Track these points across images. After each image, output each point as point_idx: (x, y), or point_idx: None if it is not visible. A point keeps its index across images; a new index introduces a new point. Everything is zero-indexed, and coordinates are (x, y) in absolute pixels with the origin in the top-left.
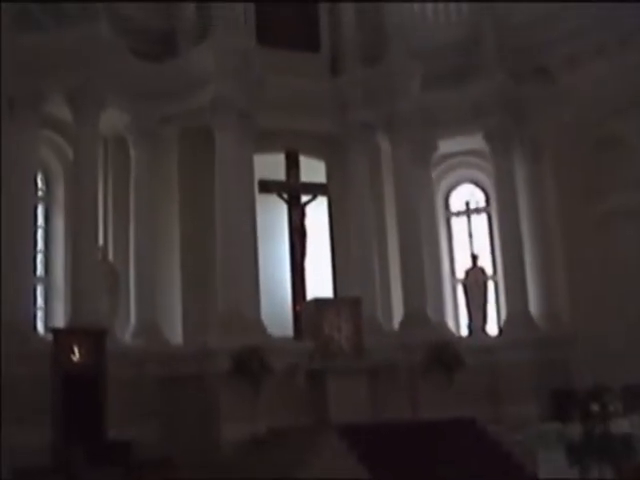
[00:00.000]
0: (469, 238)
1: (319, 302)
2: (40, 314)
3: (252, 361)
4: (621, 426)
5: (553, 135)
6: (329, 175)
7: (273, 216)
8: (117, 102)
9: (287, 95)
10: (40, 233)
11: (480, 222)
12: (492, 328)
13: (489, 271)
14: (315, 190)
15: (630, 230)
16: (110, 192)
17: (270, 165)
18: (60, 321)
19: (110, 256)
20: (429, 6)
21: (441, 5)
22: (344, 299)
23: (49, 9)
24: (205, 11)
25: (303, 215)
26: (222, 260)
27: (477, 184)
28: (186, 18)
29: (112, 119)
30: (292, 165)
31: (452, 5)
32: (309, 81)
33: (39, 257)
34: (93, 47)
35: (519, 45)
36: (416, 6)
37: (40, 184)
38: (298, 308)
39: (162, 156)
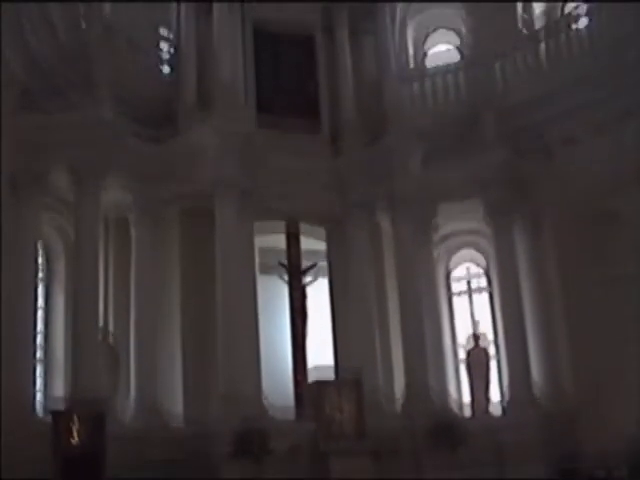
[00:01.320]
0: (471, 317)
1: (320, 384)
2: (39, 396)
3: (254, 443)
4: None
5: (553, 210)
6: (330, 254)
7: (274, 295)
8: (119, 182)
9: (288, 175)
10: (40, 314)
11: (482, 300)
12: (495, 406)
13: (491, 343)
14: (316, 270)
15: (630, 298)
16: (111, 271)
17: (270, 245)
18: (60, 402)
19: (111, 335)
20: (427, 84)
21: (439, 83)
22: (345, 380)
23: (52, 92)
24: (206, 93)
25: (304, 296)
26: (223, 339)
27: (478, 263)
28: (187, 100)
29: (114, 198)
30: (293, 245)
31: (450, 83)
32: (309, 161)
33: (39, 338)
34: (95, 130)
35: (518, 122)
36: (415, 85)
37: (41, 263)
38: (299, 378)
39: (163, 235)
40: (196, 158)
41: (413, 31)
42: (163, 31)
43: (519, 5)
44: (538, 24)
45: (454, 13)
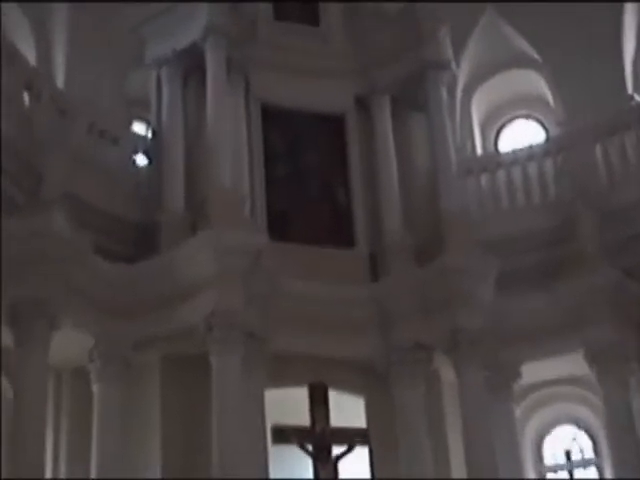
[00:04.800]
0: None
1: None
2: None
3: None
4: None
5: None
6: (370, 416)
7: (292, 472)
8: (75, 320)
9: (311, 309)
10: None
11: (588, 476)
12: None
13: None
14: (351, 438)
15: None
16: (64, 440)
17: (288, 404)
18: None
19: None
20: (501, 178)
21: (518, 176)
22: None
23: None
24: (197, 195)
25: (335, 473)
26: None
27: (580, 425)
28: (171, 205)
29: (68, 343)
30: (318, 404)
31: (533, 175)
32: (340, 287)
33: None
34: (44, 246)
35: (630, 230)
36: (484, 179)
37: None
38: None
39: (137, 391)
40: (184, 285)
41: (480, 104)
42: (138, 108)
43: (628, 60)
44: None
45: (536, 76)
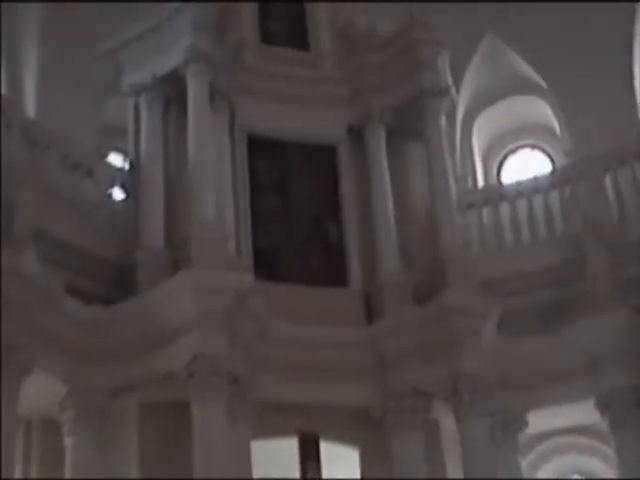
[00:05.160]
0: None
1: None
2: None
3: None
4: None
5: None
6: (365, 468)
7: None
8: (46, 366)
9: (301, 353)
10: None
11: None
12: None
13: None
14: None
15: None
16: None
17: (277, 456)
18: None
19: None
20: (504, 211)
21: (523, 209)
22: None
23: None
24: (177, 231)
25: None
26: None
27: (591, 477)
28: (149, 243)
29: (38, 391)
30: (309, 455)
31: (539, 208)
32: (332, 330)
33: None
34: (12, 286)
35: (636, 270)
36: (486, 212)
37: None
38: None
39: (113, 442)
40: (163, 328)
41: (481, 133)
42: (114, 139)
43: (638, 85)
44: None
45: (541, 102)
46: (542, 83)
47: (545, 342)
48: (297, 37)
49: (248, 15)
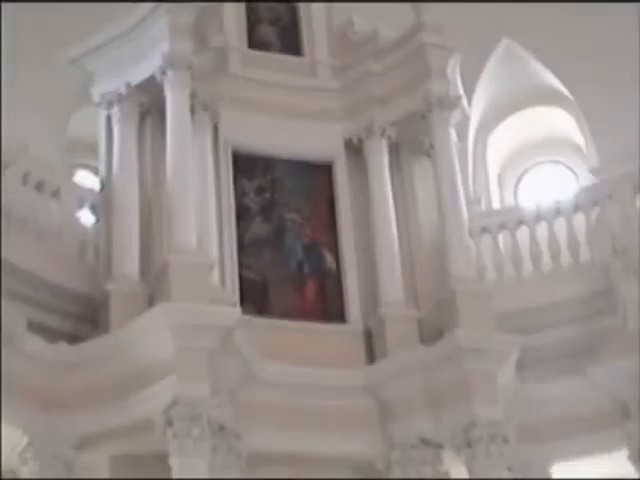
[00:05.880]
0: None
1: None
2: None
3: None
4: None
5: None
6: None
7: None
8: (5, 413)
9: (293, 398)
10: None
11: None
12: None
13: None
14: None
15: None
16: None
17: None
18: None
19: None
20: (522, 237)
21: (543, 234)
22: None
23: None
24: (153, 259)
25: None
26: None
27: None
28: (122, 271)
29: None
30: None
31: (562, 234)
32: (329, 372)
33: None
34: None
35: None
36: (502, 238)
37: None
38: None
39: None
40: (138, 370)
41: (496, 148)
42: (83, 155)
43: None
44: None
45: (564, 114)
46: (566, 92)
47: (570, 385)
48: (289, 41)
49: (233, 17)
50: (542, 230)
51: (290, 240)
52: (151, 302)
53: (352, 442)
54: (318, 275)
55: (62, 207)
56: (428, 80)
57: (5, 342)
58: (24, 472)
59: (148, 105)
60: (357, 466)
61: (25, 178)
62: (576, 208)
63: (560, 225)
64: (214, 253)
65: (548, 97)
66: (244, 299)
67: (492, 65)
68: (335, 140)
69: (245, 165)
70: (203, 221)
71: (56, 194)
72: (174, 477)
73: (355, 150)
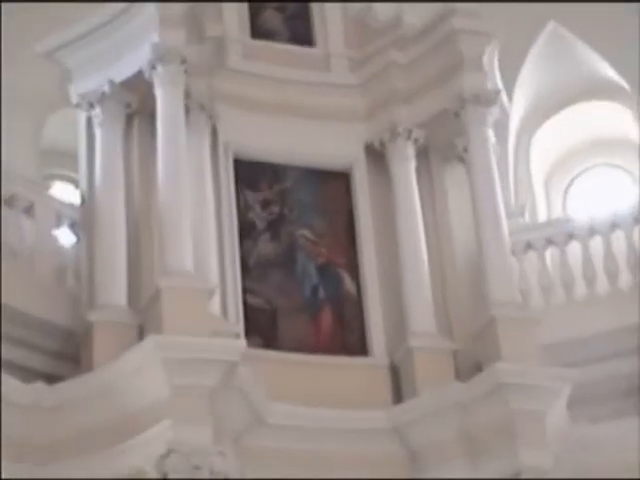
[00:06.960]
0: None
1: None
2: None
3: None
4: None
5: None
6: None
7: None
8: None
9: (308, 444)
10: None
11: None
12: None
13: None
14: None
15: None
16: None
17: None
18: None
19: None
20: (572, 252)
21: (597, 249)
22: None
23: None
24: (143, 286)
25: None
26: None
27: None
28: (107, 300)
29: None
30: None
31: (619, 248)
32: (348, 413)
33: None
34: None
35: None
36: (549, 254)
37: None
38: None
39: None
40: (127, 414)
41: (541, 151)
42: (59, 165)
43: None
44: None
45: (622, 110)
46: (623, 84)
47: (630, 426)
48: (298, 30)
49: (234, 3)
50: (596, 246)
51: (302, 261)
52: (141, 335)
53: None
54: (335, 301)
55: (36, 225)
56: (461, 72)
57: None
58: None
59: (135, 105)
60: None
61: None
62: (636, 220)
63: (618, 239)
64: (214, 277)
65: (603, 90)
66: (249, 330)
67: (536, 54)
68: (353, 144)
69: (249, 174)
70: (201, 240)
71: (29, 210)
72: None
73: (377, 155)
